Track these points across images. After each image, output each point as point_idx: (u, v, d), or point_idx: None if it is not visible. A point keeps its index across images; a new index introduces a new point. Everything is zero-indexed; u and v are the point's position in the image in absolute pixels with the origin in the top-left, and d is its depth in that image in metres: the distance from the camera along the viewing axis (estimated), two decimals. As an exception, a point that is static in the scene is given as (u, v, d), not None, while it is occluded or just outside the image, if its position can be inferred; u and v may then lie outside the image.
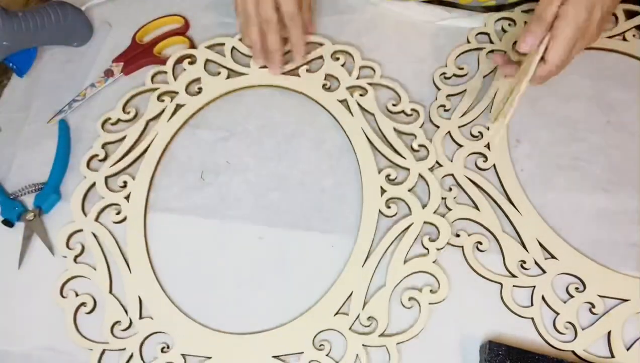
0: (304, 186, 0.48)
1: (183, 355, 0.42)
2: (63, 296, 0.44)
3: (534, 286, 0.43)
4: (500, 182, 0.47)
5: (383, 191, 0.47)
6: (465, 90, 0.52)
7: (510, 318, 0.42)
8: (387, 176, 0.47)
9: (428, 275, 0.43)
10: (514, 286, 0.43)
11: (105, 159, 0.50)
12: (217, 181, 0.49)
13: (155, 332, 0.43)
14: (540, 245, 0.44)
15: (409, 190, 0.47)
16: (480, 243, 0.45)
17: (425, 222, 0.45)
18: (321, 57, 0.55)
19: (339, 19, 0.58)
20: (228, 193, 0.49)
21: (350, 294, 0.43)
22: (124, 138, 0.51)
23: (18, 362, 0.43)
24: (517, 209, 0.46)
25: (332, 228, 0.46)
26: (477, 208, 0.46)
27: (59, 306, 0.44)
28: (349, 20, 0.58)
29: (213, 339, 0.42)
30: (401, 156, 0.48)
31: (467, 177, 0.48)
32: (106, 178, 0.49)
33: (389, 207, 0.46)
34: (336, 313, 0.42)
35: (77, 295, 0.44)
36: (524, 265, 0.44)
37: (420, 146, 0.49)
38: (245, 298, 0.44)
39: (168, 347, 0.42)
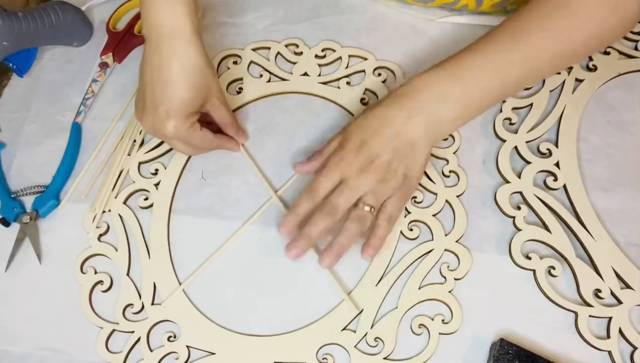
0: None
1: (188, 347, 0.42)
2: (83, 272, 0.46)
3: (611, 317, 0.41)
4: (572, 203, 0.45)
5: (407, 212, 0.46)
6: (532, 103, 0.51)
7: (581, 348, 0.41)
8: (414, 198, 0.47)
9: (442, 304, 0.43)
10: (589, 316, 0.41)
11: (141, 145, 0.52)
12: (216, 181, 0.49)
13: (165, 320, 0.43)
14: (616, 273, 0.42)
15: (434, 215, 0.46)
16: (553, 267, 0.43)
17: (446, 250, 0.44)
18: (363, 70, 0.55)
19: (339, 19, 0.58)
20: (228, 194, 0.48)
21: (361, 312, 0.42)
22: (161, 127, 0.53)
23: (18, 362, 0.43)
24: (590, 233, 0.44)
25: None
26: (548, 229, 0.45)
27: (77, 281, 0.45)
28: (349, 20, 0.58)
29: (219, 336, 0.42)
30: (430, 179, 0.48)
31: (536, 196, 0.46)
32: (140, 163, 0.51)
33: (411, 230, 0.45)
34: (343, 329, 0.42)
35: (95, 272, 0.46)
36: (599, 294, 0.42)
37: (451, 171, 0.48)
38: (251, 299, 0.44)
39: (175, 337, 0.43)
